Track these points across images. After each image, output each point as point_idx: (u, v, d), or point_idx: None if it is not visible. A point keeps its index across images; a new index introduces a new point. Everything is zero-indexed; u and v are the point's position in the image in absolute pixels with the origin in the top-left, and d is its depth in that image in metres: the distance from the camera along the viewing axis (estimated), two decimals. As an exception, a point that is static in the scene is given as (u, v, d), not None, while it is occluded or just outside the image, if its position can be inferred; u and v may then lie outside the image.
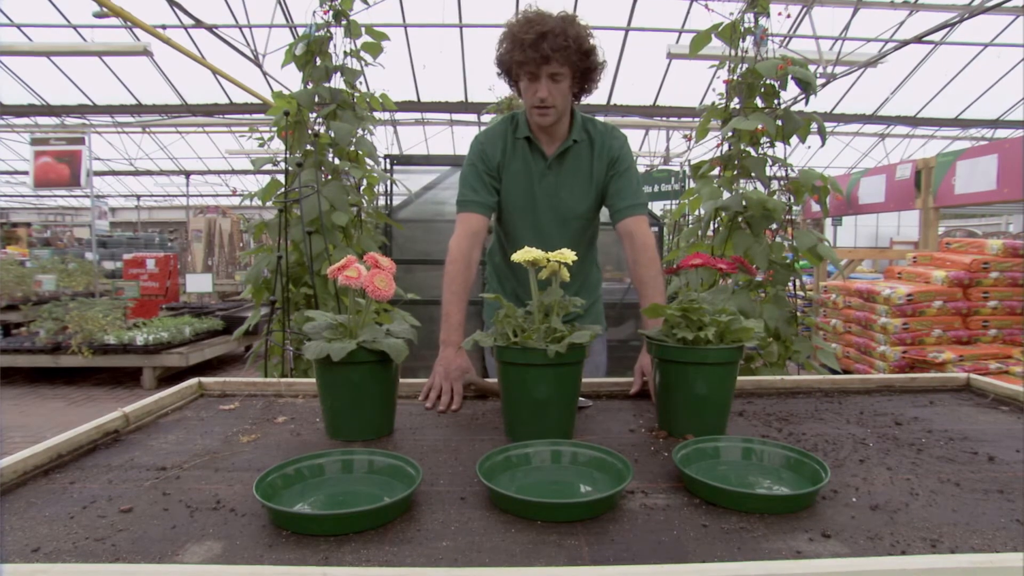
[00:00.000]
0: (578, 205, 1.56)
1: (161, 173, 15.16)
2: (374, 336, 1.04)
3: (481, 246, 1.54)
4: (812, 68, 2.83)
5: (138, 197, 18.09)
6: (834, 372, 2.60)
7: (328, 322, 1.10)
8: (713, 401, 1.05)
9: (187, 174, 13.95)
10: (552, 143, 1.56)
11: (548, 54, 1.36)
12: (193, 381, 1.36)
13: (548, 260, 1.02)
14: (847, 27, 7.04)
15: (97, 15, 5.65)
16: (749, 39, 2.68)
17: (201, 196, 17.65)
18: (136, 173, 15.17)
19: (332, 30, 2.84)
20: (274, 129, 2.87)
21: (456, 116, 10.46)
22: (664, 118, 10.22)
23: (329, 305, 2.40)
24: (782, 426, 1.14)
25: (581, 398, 1.21)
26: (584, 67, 1.44)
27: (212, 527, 0.74)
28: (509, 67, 1.45)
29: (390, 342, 1.04)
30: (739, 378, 1.26)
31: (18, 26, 8.07)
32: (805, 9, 6.97)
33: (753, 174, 2.61)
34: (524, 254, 1.02)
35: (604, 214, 1.63)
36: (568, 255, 1.02)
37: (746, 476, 0.89)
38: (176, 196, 18.42)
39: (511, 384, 1.04)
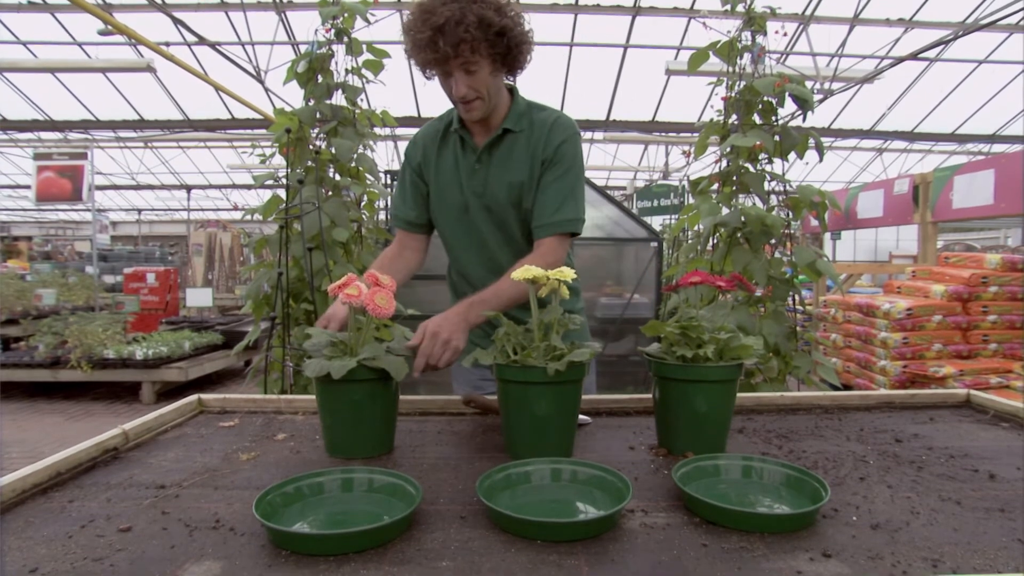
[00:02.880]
0: (508, 206, 1.37)
1: (163, 187, 15.25)
2: (375, 354, 1.03)
3: (413, 260, 1.48)
4: (809, 84, 2.86)
5: (139, 211, 18.17)
6: (834, 387, 2.60)
7: (328, 339, 1.09)
8: (713, 419, 1.05)
9: (188, 188, 14.03)
10: (486, 134, 1.38)
11: (448, 53, 1.19)
12: (193, 398, 1.36)
13: (548, 278, 1.02)
14: (843, 44, 7.12)
15: (102, 32, 5.72)
16: (747, 56, 2.72)
17: (202, 210, 17.73)
18: (138, 187, 15.25)
19: (334, 48, 2.88)
20: (276, 145, 2.89)
21: (456, 131, 10.52)
22: (663, 133, 10.30)
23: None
24: (782, 443, 1.14)
25: (580, 415, 1.21)
26: (499, 50, 1.24)
27: (211, 547, 0.74)
28: (413, 60, 1.27)
29: (390, 359, 1.04)
30: (739, 395, 1.26)
31: (24, 43, 8.17)
32: (802, 27, 7.06)
33: (752, 190, 2.62)
34: (524, 272, 1.03)
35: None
36: (568, 273, 1.02)
37: (746, 494, 0.89)
38: (177, 210, 18.50)
39: (511, 402, 1.04)
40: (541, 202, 1.34)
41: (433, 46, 1.18)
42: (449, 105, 1.41)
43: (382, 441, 1.09)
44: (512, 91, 1.40)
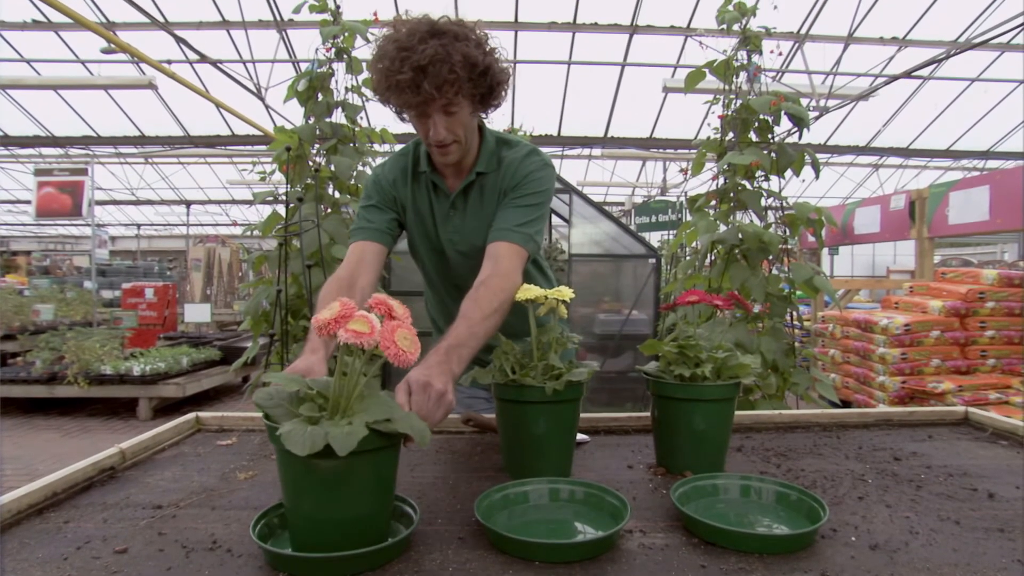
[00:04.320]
0: (484, 250, 1.25)
1: (162, 203, 15.29)
2: (386, 413, 0.74)
3: (373, 273, 1.26)
4: (805, 102, 2.89)
5: (138, 226, 18.19)
6: (833, 403, 2.60)
7: (295, 390, 0.78)
8: (711, 437, 1.05)
9: (188, 203, 14.06)
10: (458, 177, 1.31)
11: (431, 95, 1.10)
12: (191, 416, 1.36)
13: (547, 298, 1.03)
14: (838, 62, 7.21)
15: (105, 51, 5.77)
16: (743, 75, 2.75)
17: (201, 225, 17.76)
18: (137, 202, 15.30)
19: (334, 66, 2.91)
20: (276, 162, 2.91)
21: (455, 147, 10.59)
22: (660, 149, 10.37)
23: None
24: (780, 462, 1.14)
25: (579, 434, 1.21)
26: (481, 90, 1.17)
27: (208, 568, 0.74)
28: (384, 100, 1.19)
29: (411, 421, 0.76)
30: (737, 412, 1.26)
31: (27, 61, 8.25)
32: (797, 45, 7.15)
33: (749, 207, 2.64)
34: (524, 291, 1.03)
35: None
36: (566, 292, 1.03)
37: (745, 514, 0.89)
38: (176, 225, 18.54)
39: (509, 421, 1.03)
40: (502, 216, 1.24)
41: (415, 88, 1.09)
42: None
43: (379, 530, 0.78)
44: (480, 127, 1.32)
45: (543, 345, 1.05)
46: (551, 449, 1.02)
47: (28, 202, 9.73)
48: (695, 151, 2.90)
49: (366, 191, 1.37)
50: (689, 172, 3.01)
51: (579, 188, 5.12)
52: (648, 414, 1.17)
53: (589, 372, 1.01)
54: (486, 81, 1.16)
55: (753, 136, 2.72)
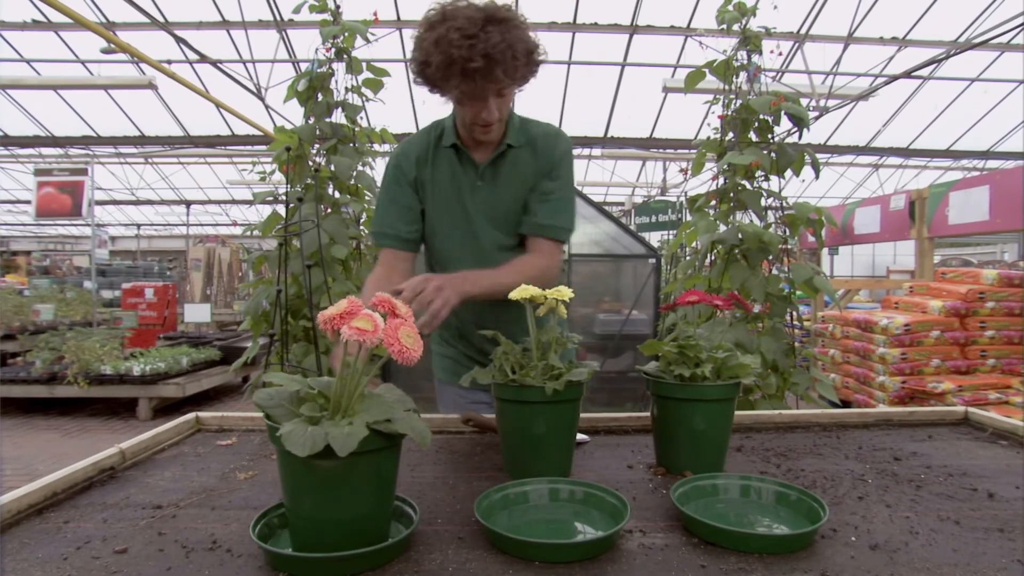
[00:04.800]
0: (517, 217, 1.36)
1: (162, 203, 15.30)
2: (386, 413, 0.75)
3: (405, 275, 1.32)
4: (805, 101, 2.89)
5: (138, 226, 18.19)
6: (833, 404, 2.60)
7: (295, 390, 0.78)
8: (711, 437, 1.05)
9: (188, 203, 14.06)
10: (485, 149, 1.36)
11: (501, 79, 1.16)
12: (191, 416, 1.36)
13: (546, 297, 1.03)
14: (838, 62, 7.21)
15: (105, 51, 5.78)
16: (742, 75, 2.75)
17: (201, 225, 17.76)
18: (137, 203, 15.31)
19: (334, 66, 2.91)
20: (275, 162, 2.91)
21: (455, 147, 10.58)
22: (660, 149, 10.37)
23: (329, 340, 2.40)
24: (780, 462, 1.14)
25: (579, 434, 1.21)
26: (530, 75, 1.25)
27: (208, 568, 0.74)
28: (439, 86, 1.22)
29: (412, 421, 0.76)
30: (737, 412, 1.26)
31: (27, 61, 8.25)
32: (797, 45, 7.15)
33: (749, 207, 2.64)
34: (521, 291, 1.03)
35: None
36: (566, 292, 1.03)
37: (745, 514, 0.89)
38: (176, 225, 18.54)
39: (509, 421, 1.03)
40: (544, 206, 1.34)
41: (487, 75, 1.14)
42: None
43: (379, 530, 0.78)
44: None
45: (543, 345, 1.05)
46: (551, 449, 1.02)
47: (28, 202, 9.72)
48: (695, 151, 2.90)
49: (385, 177, 1.42)
50: (689, 172, 3.01)
51: (579, 188, 5.12)
52: (648, 414, 1.17)
53: (589, 372, 1.01)
54: (533, 63, 1.24)
55: (753, 136, 2.72)
